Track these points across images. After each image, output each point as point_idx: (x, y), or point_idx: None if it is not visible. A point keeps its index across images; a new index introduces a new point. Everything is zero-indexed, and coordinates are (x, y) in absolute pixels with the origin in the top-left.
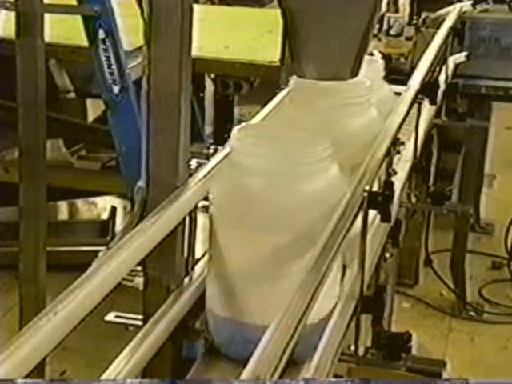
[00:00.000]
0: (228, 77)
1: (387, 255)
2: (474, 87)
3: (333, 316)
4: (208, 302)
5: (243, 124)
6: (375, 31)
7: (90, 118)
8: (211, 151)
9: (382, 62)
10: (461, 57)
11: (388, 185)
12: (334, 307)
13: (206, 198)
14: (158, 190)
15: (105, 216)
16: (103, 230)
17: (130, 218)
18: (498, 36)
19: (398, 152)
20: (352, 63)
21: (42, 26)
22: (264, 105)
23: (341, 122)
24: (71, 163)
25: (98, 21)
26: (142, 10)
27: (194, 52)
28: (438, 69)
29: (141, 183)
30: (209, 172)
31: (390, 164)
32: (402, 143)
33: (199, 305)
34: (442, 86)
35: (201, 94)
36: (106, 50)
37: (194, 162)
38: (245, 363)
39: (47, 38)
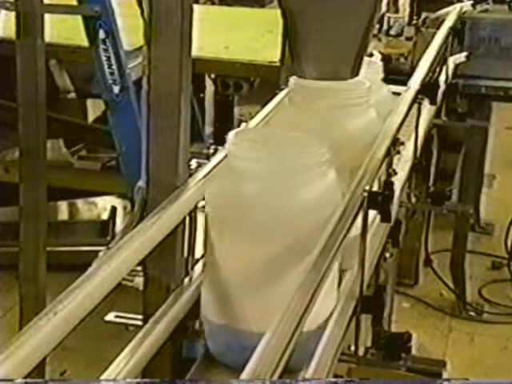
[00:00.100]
0: (228, 77)
1: (387, 255)
2: (474, 87)
3: (333, 316)
4: (203, 308)
5: (239, 128)
6: (375, 31)
7: (91, 118)
8: (211, 151)
9: (380, 63)
10: (461, 57)
11: (388, 185)
12: (331, 314)
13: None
14: (158, 190)
15: (105, 216)
16: (103, 230)
17: (130, 218)
18: (498, 36)
19: (398, 152)
20: (352, 63)
21: (43, 26)
22: (264, 105)
23: (340, 122)
24: (71, 163)
25: (99, 21)
26: (142, 10)
27: (194, 52)
28: (438, 69)
29: (141, 183)
30: (209, 172)
31: (390, 164)
32: (402, 143)
33: (199, 305)
34: (442, 86)
35: (201, 94)
36: (106, 50)
37: (194, 162)
38: (241, 370)
39: (47, 38)
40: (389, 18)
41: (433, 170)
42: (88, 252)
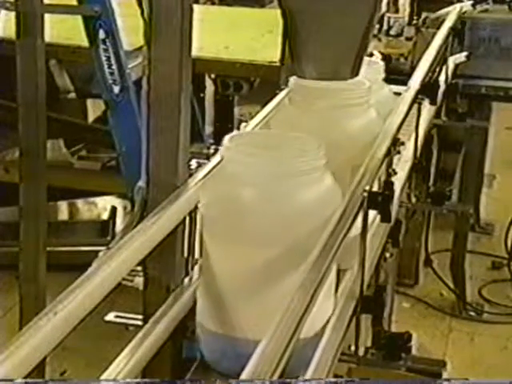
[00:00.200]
0: (228, 77)
1: (387, 255)
2: (474, 87)
3: (333, 316)
4: (198, 315)
5: (234, 132)
6: (375, 31)
7: (91, 118)
8: (211, 151)
9: (381, 63)
10: (461, 57)
11: (388, 185)
12: (331, 316)
13: None
14: (158, 190)
15: (105, 216)
16: (103, 230)
17: (131, 218)
18: (498, 36)
19: (398, 152)
20: (352, 63)
21: (43, 26)
22: (264, 105)
23: (340, 122)
24: (71, 163)
25: (99, 21)
26: (142, 10)
27: (194, 52)
28: (438, 69)
29: (141, 183)
30: (209, 172)
31: (390, 164)
32: (402, 143)
33: None
34: (442, 86)
35: (201, 94)
36: (106, 50)
37: (194, 162)
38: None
39: (47, 38)
40: (389, 17)
41: (433, 170)
42: (88, 252)
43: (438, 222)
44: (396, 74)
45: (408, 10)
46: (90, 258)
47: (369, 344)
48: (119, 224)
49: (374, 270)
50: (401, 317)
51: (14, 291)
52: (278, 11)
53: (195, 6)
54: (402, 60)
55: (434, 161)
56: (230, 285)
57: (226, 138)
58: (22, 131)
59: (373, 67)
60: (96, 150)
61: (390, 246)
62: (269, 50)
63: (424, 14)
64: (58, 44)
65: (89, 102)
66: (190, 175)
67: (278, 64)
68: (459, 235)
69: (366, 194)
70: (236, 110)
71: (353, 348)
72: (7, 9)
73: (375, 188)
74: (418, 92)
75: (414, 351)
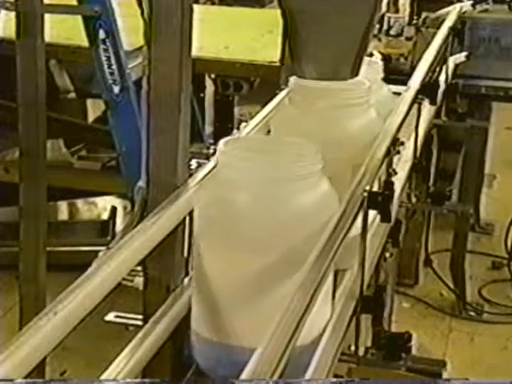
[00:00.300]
0: (228, 77)
1: (387, 255)
2: (474, 87)
3: (333, 316)
4: (193, 322)
5: (229, 137)
6: (375, 31)
7: (91, 118)
8: (211, 151)
9: (381, 63)
10: (461, 57)
11: (388, 185)
12: (325, 327)
13: None
14: (158, 190)
15: (105, 216)
16: (103, 230)
17: (131, 218)
18: (498, 36)
19: (398, 152)
20: (352, 63)
21: (42, 26)
22: (264, 105)
23: (340, 122)
24: (71, 163)
25: (99, 21)
26: (142, 10)
27: (194, 52)
28: (438, 69)
29: (141, 183)
30: (209, 172)
31: (390, 164)
32: (402, 143)
33: None
34: (442, 86)
35: (201, 94)
36: (106, 50)
37: (194, 162)
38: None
39: (47, 38)
40: (389, 17)
41: (433, 170)
42: (88, 252)
43: (438, 222)
44: (396, 74)
45: (408, 9)
46: (89, 258)
47: (369, 344)
48: (119, 224)
49: (374, 270)
50: (401, 317)
51: (14, 291)
52: (278, 11)
53: (195, 6)
54: (401, 60)
55: (434, 161)
56: (225, 291)
57: (221, 142)
58: (22, 131)
59: (372, 67)
60: (96, 150)
61: (389, 246)
62: (269, 49)
63: (424, 14)
64: (58, 44)
65: (89, 102)
66: (190, 175)
67: (278, 64)
68: (459, 235)
69: (366, 194)
70: (236, 110)
71: (353, 348)
72: (7, 9)
73: (375, 188)
74: (418, 92)
75: (414, 351)
